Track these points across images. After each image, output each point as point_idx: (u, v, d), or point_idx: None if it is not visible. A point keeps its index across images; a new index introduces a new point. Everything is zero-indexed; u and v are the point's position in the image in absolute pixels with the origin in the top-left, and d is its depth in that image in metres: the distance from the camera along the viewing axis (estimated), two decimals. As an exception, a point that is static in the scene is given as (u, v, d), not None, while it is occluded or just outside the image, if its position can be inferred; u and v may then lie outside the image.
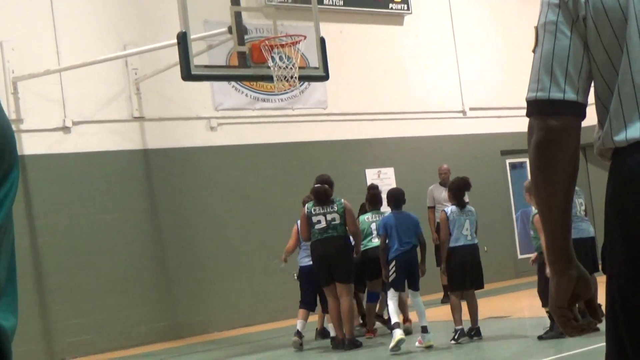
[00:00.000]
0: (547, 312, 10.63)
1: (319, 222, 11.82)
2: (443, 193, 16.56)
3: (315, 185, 12.10)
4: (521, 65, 20.56)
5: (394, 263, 11.37)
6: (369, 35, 18.67)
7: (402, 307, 12.21)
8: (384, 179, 18.20)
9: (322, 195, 11.89)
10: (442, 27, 19.85)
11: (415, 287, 11.52)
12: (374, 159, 18.27)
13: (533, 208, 11.49)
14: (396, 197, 11.89)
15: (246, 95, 16.76)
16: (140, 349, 14.50)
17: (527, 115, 2.62)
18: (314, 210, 11.88)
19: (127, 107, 15.51)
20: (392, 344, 10.93)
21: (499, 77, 20.21)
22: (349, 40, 18.15)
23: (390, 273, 11.37)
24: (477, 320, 11.45)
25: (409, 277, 11.51)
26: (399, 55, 19.08)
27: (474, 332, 11.40)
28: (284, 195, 16.76)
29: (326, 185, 12.07)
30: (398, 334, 10.93)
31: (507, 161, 20.43)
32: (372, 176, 18.05)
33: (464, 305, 11.34)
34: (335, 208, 11.91)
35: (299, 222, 12.30)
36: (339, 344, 11.63)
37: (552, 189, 2.59)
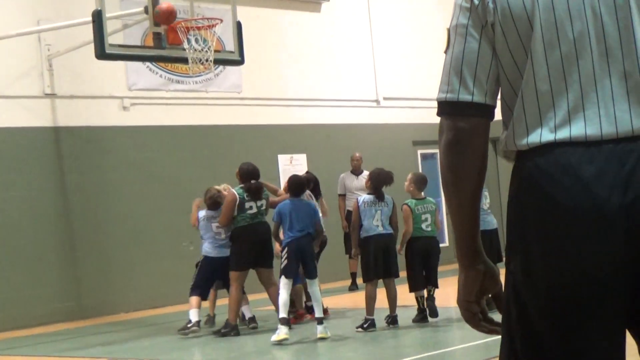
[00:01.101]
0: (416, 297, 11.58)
1: (250, 207, 11.84)
2: (354, 181, 16.67)
3: (252, 182, 11.96)
4: (435, 58, 20.77)
5: (285, 250, 11.13)
6: (286, 21, 18.68)
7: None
8: (296, 165, 18.24)
9: (255, 191, 11.89)
10: (359, 16, 19.94)
11: (310, 275, 11.26)
12: (287, 145, 18.30)
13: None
14: (297, 185, 11.61)
15: (160, 76, 16.66)
16: (44, 328, 14.34)
17: (438, 114, 2.69)
18: (246, 196, 11.86)
19: (39, 83, 15.29)
20: (274, 338, 10.70)
21: (414, 68, 20.37)
22: (265, 25, 18.13)
23: (282, 260, 11.14)
24: (395, 308, 11.46)
25: (303, 265, 11.27)
26: (315, 42, 19.12)
27: (391, 320, 11.45)
28: (195, 178, 16.68)
29: (260, 183, 12.07)
30: (283, 332, 10.65)
31: (419, 151, 20.62)
32: (284, 162, 18.10)
33: (381, 292, 11.43)
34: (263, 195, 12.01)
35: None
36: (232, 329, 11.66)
37: (461, 188, 2.66)
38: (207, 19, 13.57)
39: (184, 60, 13.33)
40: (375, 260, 11.38)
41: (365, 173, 16.70)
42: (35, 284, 14.84)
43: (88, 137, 15.68)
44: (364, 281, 11.58)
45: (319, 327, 10.83)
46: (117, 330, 13.54)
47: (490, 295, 2.76)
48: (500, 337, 2.67)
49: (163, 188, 16.38)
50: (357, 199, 11.90)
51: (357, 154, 16.93)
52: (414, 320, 11.59)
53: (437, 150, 21.72)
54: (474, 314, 2.73)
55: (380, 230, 11.46)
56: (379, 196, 11.58)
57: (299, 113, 18.61)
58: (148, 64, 16.22)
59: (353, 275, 16.70)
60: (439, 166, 2.70)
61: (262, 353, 10.51)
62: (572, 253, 2.49)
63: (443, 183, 2.69)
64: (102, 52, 12.39)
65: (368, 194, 11.79)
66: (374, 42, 20.08)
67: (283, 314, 10.78)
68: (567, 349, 2.52)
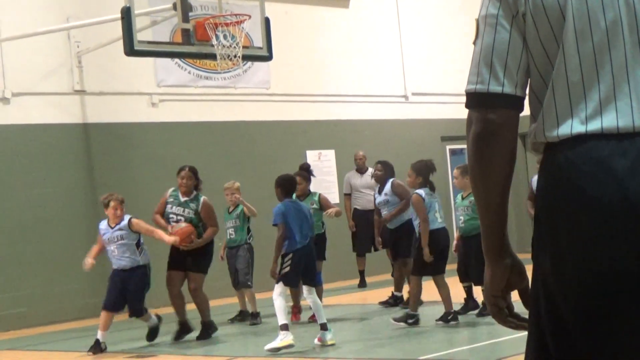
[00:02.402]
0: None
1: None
2: (360, 179, 16.59)
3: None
4: (463, 52, 20.71)
5: (290, 256, 10.25)
6: (314, 17, 18.67)
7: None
8: (325, 161, 18.25)
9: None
10: (387, 11, 19.90)
11: (311, 283, 10.46)
12: (315, 141, 18.30)
13: (461, 196, 11.67)
14: (290, 183, 10.92)
15: (189, 72, 16.70)
16: (73, 323, 14.42)
17: (466, 107, 2.66)
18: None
19: (68, 80, 15.37)
20: (273, 346, 9.92)
21: (442, 63, 20.31)
22: (293, 21, 18.13)
23: (284, 266, 10.25)
24: (451, 303, 11.10)
25: (305, 274, 10.46)
26: (343, 38, 19.10)
27: (451, 317, 11.01)
28: (223, 174, 16.69)
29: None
30: (289, 338, 9.91)
31: (448, 147, 20.57)
32: (312, 158, 18.09)
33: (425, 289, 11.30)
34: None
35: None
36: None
37: (489, 181, 2.63)
38: (236, 15, 13.59)
39: (213, 57, 13.36)
40: (441, 254, 11.07)
41: (371, 170, 16.70)
42: (66, 280, 14.91)
43: (117, 133, 15.74)
44: (415, 274, 11.08)
45: (328, 334, 10.15)
46: (147, 326, 13.56)
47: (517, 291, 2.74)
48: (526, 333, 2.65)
49: (192, 184, 16.39)
50: (417, 192, 11.27)
51: (361, 153, 16.82)
52: (460, 313, 11.40)
53: (465, 146, 21.60)
54: (500, 309, 2.70)
55: (441, 222, 11.22)
56: (432, 187, 11.27)
57: (327, 109, 18.60)
58: (177, 60, 16.26)
59: (362, 274, 16.62)
60: (467, 160, 2.68)
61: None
62: (604, 248, 2.46)
63: (471, 176, 2.66)
64: (131, 49, 12.44)
65: (420, 188, 11.26)
66: (402, 37, 20.03)
67: (283, 320, 10.01)
68: (599, 344, 2.50)
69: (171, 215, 11.87)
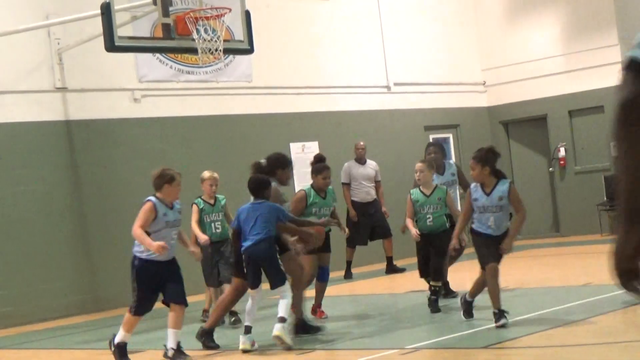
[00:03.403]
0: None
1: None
2: (360, 169, 16.60)
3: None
4: (444, 43, 20.75)
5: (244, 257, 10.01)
6: (295, 9, 18.65)
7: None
8: (308, 152, 18.23)
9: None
10: (368, 2, 19.89)
11: (271, 285, 9.94)
12: (299, 133, 18.30)
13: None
14: (254, 185, 10.37)
15: (170, 67, 16.66)
16: (59, 321, 14.38)
17: (623, 70, 2.70)
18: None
19: (49, 77, 15.31)
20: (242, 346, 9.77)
21: (424, 53, 20.30)
22: (274, 14, 18.11)
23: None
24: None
25: (265, 273, 9.99)
26: (324, 29, 19.09)
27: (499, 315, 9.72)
28: (207, 168, 16.65)
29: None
30: (245, 343, 9.75)
31: (431, 136, 20.56)
32: (296, 150, 18.09)
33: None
34: None
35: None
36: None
37: (634, 146, 2.67)
38: (216, 8, 13.56)
39: (194, 51, 13.34)
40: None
41: (370, 162, 16.71)
42: (50, 278, 14.88)
43: (99, 129, 15.70)
44: (485, 267, 9.68)
45: (244, 338, 9.83)
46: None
47: None
48: None
49: (176, 179, 16.37)
50: (472, 187, 10.18)
51: (361, 143, 16.86)
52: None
53: (448, 135, 21.75)
54: (634, 276, 2.73)
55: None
56: (503, 175, 10.03)
57: (309, 101, 18.59)
58: (158, 55, 16.22)
59: (349, 264, 16.52)
60: (613, 120, 2.70)
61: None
62: None
63: (616, 140, 2.70)
64: (111, 45, 12.41)
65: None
66: (383, 28, 20.02)
67: (247, 322, 9.92)
68: None
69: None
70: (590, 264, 14.75)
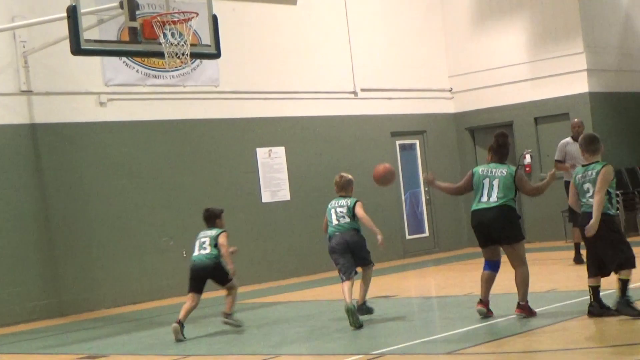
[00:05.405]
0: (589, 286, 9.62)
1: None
2: (576, 146, 15.24)
3: None
4: (411, 49, 20.80)
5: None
6: (262, 14, 18.64)
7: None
8: (275, 158, 18.24)
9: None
10: (335, 8, 19.92)
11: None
12: (265, 139, 18.28)
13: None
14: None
15: (137, 71, 16.59)
16: (24, 325, 14.30)
17: None
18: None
19: (14, 80, 15.21)
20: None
21: (391, 59, 20.35)
22: (241, 18, 18.10)
23: None
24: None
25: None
26: (291, 35, 19.10)
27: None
28: (174, 173, 16.69)
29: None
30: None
31: (397, 142, 20.63)
32: (263, 155, 18.08)
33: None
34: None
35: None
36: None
37: None
38: (183, 12, 13.51)
39: (161, 55, 13.29)
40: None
41: None
42: (15, 282, 14.77)
43: (65, 133, 15.61)
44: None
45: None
46: (97, 327, 13.50)
47: None
48: None
49: (142, 183, 16.34)
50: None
51: (576, 120, 16.10)
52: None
53: (415, 141, 21.83)
54: None
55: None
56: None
57: (276, 106, 18.59)
58: (124, 59, 16.17)
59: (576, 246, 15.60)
60: None
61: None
62: None
63: None
64: (77, 48, 12.34)
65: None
66: (350, 34, 20.05)
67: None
68: None
69: None
70: (555, 270, 14.84)
